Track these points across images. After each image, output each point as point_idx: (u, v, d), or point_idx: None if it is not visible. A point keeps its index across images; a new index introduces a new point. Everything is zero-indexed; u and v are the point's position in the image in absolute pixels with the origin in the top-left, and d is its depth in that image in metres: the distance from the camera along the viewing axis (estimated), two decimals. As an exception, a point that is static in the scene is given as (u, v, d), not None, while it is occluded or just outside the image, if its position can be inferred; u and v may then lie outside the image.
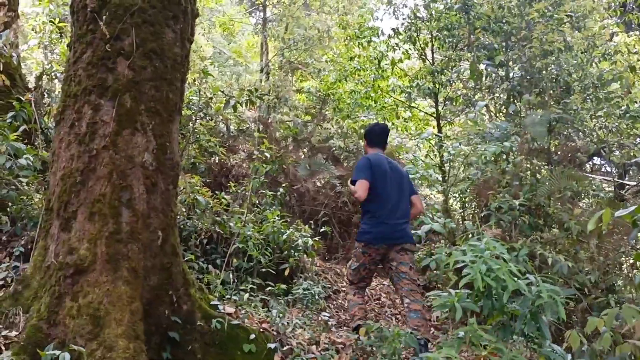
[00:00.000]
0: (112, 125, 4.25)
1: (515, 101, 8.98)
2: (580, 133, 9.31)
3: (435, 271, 7.20)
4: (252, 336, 4.68)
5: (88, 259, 4.00)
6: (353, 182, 5.99)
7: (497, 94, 10.16)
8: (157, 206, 4.39)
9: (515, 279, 3.43)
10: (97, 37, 4.38)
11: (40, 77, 9.28)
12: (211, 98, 9.63)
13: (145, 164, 4.32)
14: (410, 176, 7.16)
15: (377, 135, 6.41)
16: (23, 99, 6.18)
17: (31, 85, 9.04)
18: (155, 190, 4.39)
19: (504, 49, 9.70)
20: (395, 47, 12.19)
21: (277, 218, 7.44)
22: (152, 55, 4.45)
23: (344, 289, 8.27)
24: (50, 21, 10.48)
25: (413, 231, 6.71)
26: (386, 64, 12.55)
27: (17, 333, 3.87)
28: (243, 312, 5.19)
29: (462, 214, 8.66)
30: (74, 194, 4.18)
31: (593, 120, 9.28)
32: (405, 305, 5.80)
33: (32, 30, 15.74)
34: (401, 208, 6.04)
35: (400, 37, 11.90)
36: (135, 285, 4.09)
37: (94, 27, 4.40)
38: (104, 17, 4.37)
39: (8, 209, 5.45)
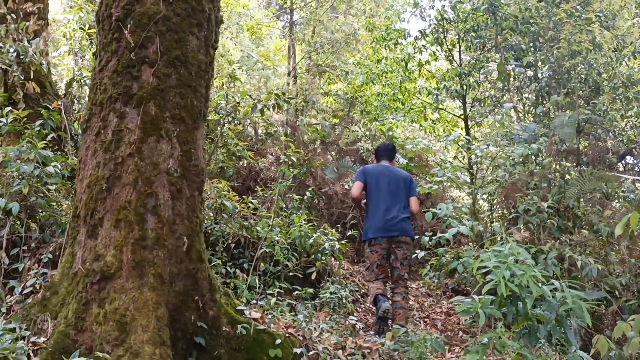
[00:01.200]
0: (137, 132, 4.28)
1: (544, 102, 8.88)
2: (610, 133, 9.18)
3: (463, 274, 7.14)
4: (278, 341, 4.67)
5: (114, 265, 4.04)
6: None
7: (525, 95, 10.06)
8: (183, 212, 4.42)
9: (540, 284, 3.39)
10: (122, 45, 4.42)
11: (70, 84, 9.39)
12: (238, 102, 9.65)
13: (170, 170, 4.35)
14: (438, 179, 7.19)
15: (381, 151, 7.68)
16: (51, 107, 6.25)
17: (61, 92, 9.16)
18: (181, 197, 4.42)
19: (532, 50, 9.60)
20: (422, 49, 12.14)
21: (303, 222, 7.43)
22: (177, 63, 4.48)
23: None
24: (81, 28, 10.60)
25: (440, 234, 6.72)
26: (413, 66, 12.50)
27: (45, 339, 3.91)
28: (269, 317, 5.19)
29: (490, 216, 8.59)
30: (100, 201, 4.23)
31: (623, 120, 9.15)
32: (390, 294, 6.87)
33: (63, 36, 15.95)
34: (397, 207, 6.95)
35: (427, 38, 11.85)
36: (161, 291, 4.11)
37: (119, 35, 4.45)
38: (129, 25, 4.42)
39: (37, 216, 5.53)
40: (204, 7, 4.70)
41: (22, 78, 7.26)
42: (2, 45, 7.08)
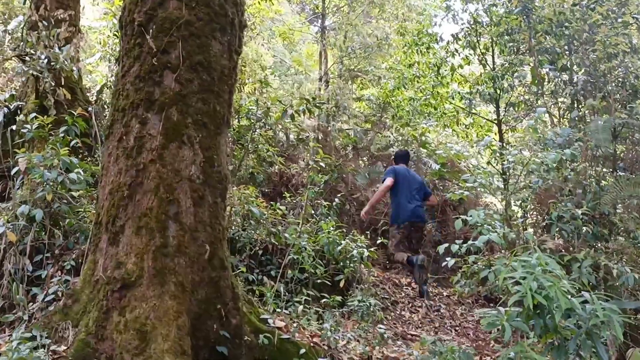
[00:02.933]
0: (159, 138, 4.25)
1: (579, 106, 8.68)
2: (647, 138, 8.92)
3: (495, 283, 6.97)
4: (302, 351, 4.59)
5: (135, 273, 4.01)
6: (383, 181, 9.18)
7: (560, 99, 9.85)
8: (205, 219, 4.37)
9: (569, 296, 3.24)
10: (144, 50, 4.40)
11: (101, 90, 9.46)
12: (269, 108, 9.61)
13: (192, 177, 4.31)
14: (468, 184, 7.07)
15: (400, 157, 9.81)
16: (75, 113, 6.26)
17: (93, 98, 9.22)
18: (203, 204, 4.37)
19: (566, 53, 9.39)
20: (455, 53, 11.98)
21: (332, 228, 7.34)
22: (199, 68, 4.44)
23: (402, 300, 8.12)
24: (114, 34, 10.68)
25: (471, 242, 6.58)
26: (445, 71, 12.35)
27: (65, 348, 3.89)
28: (295, 325, 5.11)
29: (523, 223, 8.39)
30: (121, 207, 4.20)
31: (663, 125, 8.88)
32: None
33: (98, 43, 16.14)
34: (417, 200, 9.09)
35: (460, 42, 11.69)
36: (182, 300, 4.07)
37: (142, 41, 4.42)
38: (151, 30, 4.39)
39: (61, 222, 5.52)
40: (227, 11, 4.65)
41: (53, 85, 7.30)
42: (34, 52, 7.12)
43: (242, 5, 4.93)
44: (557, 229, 6.72)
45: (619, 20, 8.36)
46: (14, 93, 8.36)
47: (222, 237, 4.55)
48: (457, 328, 7.55)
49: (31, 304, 4.77)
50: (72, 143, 6.03)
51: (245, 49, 15.23)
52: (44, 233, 5.35)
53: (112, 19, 10.99)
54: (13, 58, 7.57)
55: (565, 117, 9.72)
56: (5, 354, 3.59)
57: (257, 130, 10.17)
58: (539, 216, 8.11)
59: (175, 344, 3.85)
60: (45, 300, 4.72)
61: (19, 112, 7.51)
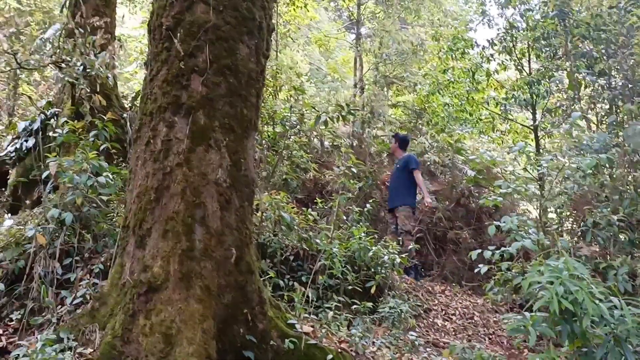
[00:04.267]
0: (185, 142, 4.25)
1: (617, 111, 8.50)
2: (687, 144, 8.68)
3: (529, 290, 6.83)
4: (330, 357, 4.55)
5: (161, 276, 4.01)
6: (414, 169, 9.88)
7: (598, 104, 9.66)
8: (232, 223, 4.35)
9: (597, 301, 3.14)
10: (172, 54, 4.41)
11: (136, 97, 9.53)
12: (302, 114, 9.60)
13: (219, 180, 4.29)
14: (502, 190, 6.96)
15: (407, 143, 10.62)
16: (106, 118, 6.31)
17: (129, 105, 9.30)
18: (230, 208, 4.35)
19: (604, 57, 9.21)
20: (491, 58, 11.86)
21: (363, 234, 7.28)
22: (226, 72, 4.44)
23: (435, 307, 8.02)
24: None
25: (503, 248, 6.47)
26: (481, 76, 12.21)
27: (92, 350, 3.90)
28: (322, 331, 5.06)
29: (558, 229, 8.23)
30: (148, 211, 4.21)
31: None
32: None
33: (136, 51, 16.34)
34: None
35: (496, 47, 11.57)
36: (208, 304, 4.05)
37: (169, 44, 4.43)
38: (179, 34, 4.40)
39: (90, 226, 5.56)
40: (255, 15, 4.64)
41: (89, 91, 7.37)
42: (70, 59, 7.19)
43: (270, 9, 4.92)
44: (592, 236, 6.59)
45: (658, 22, 8.19)
46: (51, 100, 8.47)
47: (249, 241, 4.53)
48: (490, 336, 7.43)
49: (60, 306, 4.81)
50: (103, 147, 6.08)
51: (280, 56, 15.31)
52: (73, 236, 5.39)
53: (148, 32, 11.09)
54: (50, 65, 7.65)
55: (603, 122, 9.53)
56: (30, 356, 3.61)
57: (292, 136, 10.17)
58: (574, 223, 7.95)
59: (201, 347, 3.83)
60: (74, 303, 4.75)
61: (55, 119, 7.60)
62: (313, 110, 8.32)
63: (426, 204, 10.00)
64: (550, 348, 3.34)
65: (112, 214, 5.83)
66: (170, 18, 4.47)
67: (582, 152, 7.27)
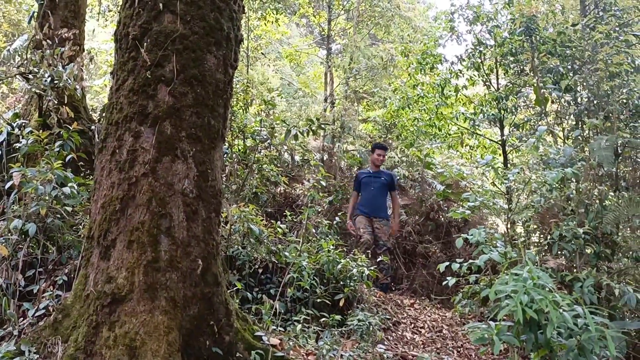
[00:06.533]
0: (152, 152, 4.22)
1: (583, 126, 8.61)
2: (650, 158, 8.82)
3: (496, 303, 6.87)
4: (297, 369, 4.52)
5: (125, 288, 3.96)
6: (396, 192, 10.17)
7: (565, 119, 9.79)
8: (198, 234, 4.32)
9: (561, 311, 3.16)
10: (138, 64, 4.39)
11: (104, 109, 9.46)
12: (273, 128, 9.60)
13: (185, 191, 4.27)
14: (470, 203, 7.01)
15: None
16: (71, 128, 6.25)
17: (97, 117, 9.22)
18: (196, 218, 4.32)
19: (570, 73, 9.35)
20: (459, 74, 11.97)
21: (332, 247, 7.28)
22: (193, 82, 4.42)
23: (404, 320, 8.02)
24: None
25: (472, 260, 6.51)
26: (450, 91, 12.32)
27: (54, 363, 3.83)
28: (291, 343, 5.03)
29: (525, 242, 8.29)
30: (113, 222, 4.16)
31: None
32: None
33: (105, 64, 16.23)
34: None
35: (464, 63, 11.69)
36: (174, 315, 4.01)
37: (136, 54, 4.41)
38: (145, 44, 4.38)
39: (55, 237, 5.48)
40: (223, 25, 4.64)
41: (56, 103, 7.31)
42: (38, 71, 7.13)
43: (239, 20, 4.92)
44: (559, 249, 6.64)
45: (621, 38, 8.33)
46: (17, 111, 8.38)
47: (216, 252, 4.50)
48: (459, 349, 7.44)
49: (22, 319, 4.73)
50: (69, 158, 6.02)
51: (251, 71, 15.31)
52: (37, 248, 5.32)
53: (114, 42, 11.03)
54: (17, 76, 7.57)
55: (569, 137, 9.66)
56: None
57: (262, 150, 10.16)
58: (541, 236, 8.01)
59: None
60: (36, 315, 4.68)
61: (21, 130, 7.52)
62: (284, 124, 8.32)
63: (394, 230, 10.07)
64: (514, 357, 3.35)
65: (77, 225, 5.76)
66: (137, 27, 4.45)
67: (548, 166, 7.35)
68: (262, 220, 7.51)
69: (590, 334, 3.07)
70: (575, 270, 6.40)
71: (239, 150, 10.55)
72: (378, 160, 10.12)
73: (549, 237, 6.83)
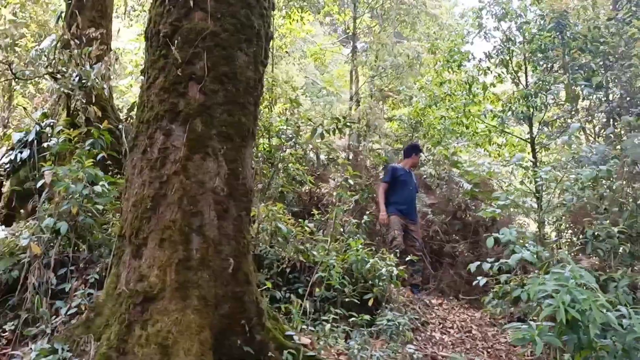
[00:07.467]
0: (183, 150, 4.20)
1: (615, 123, 8.48)
2: (687, 155, 8.65)
3: (528, 303, 6.77)
4: (328, 369, 4.48)
5: (157, 286, 3.94)
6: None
7: (596, 117, 9.65)
8: (229, 233, 4.29)
9: (605, 310, 3.08)
10: (169, 62, 4.37)
11: (131, 108, 9.49)
12: (299, 127, 9.57)
13: (216, 189, 4.24)
14: (500, 202, 6.91)
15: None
16: (102, 127, 6.26)
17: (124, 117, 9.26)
18: (227, 217, 4.29)
19: (602, 70, 9.21)
20: (487, 71, 11.85)
21: (360, 246, 7.23)
22: (224, 79, 4.39)
23: (432, 320, 7.95)
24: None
25: (504, 260, 6.43)
26: (477, 89, 12.20)
27: (86, 361, 3.82)
28: (320, 343, 4.99)
29: (557, 242, 8.18)
30: (145, 220, 4.15)
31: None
32: None
33: (130, 64, 16.32)
34: None
35: (492, 60, 11.57)
36: (205, 314, 3.99)
37: (167, 52, 4.39)
38: (176, 41, 4.36)
39: (86, 236, 5.49)
40: (254, 22, 4.60)
41: (84, 102, 7.31)
42: (66, 70, 7.14)
43: (269, 17, 4.89)
44: (592, 248, 6.54)
45: (657, 33, 8.19)
46: (46, 111, 8.42)
47: (247, 251, 4.47)
48: (489, 350, 7.36)
49: (54, 317, 4.74)
50: (99, 157, 6.03)
51: (276, 70, 15.31)
52: (68, 246, 5.33)
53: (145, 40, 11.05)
54: (45, 76, 7.61)
55: (600, 135, 9.52)
56: (24, 367, 3.55)
57: (287, 149, 10.12)
58: (573, 235, 7.90)
59: (197, 358, 3.77)
60: (68, 313, 4.68)
61: (50, 130, 7.56)
62: (309, 122, 8.28)
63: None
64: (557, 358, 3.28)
65: (107, 224, 5.77)
66: (167, 25, 4.43)
67: (580, 164, 7.25)
68: (289, 219, 7.47)
69: (635, 335, 3.00)
70: (609, 270, 6.29)
71: (264, 149, 10.53)
72: (418, 162, 10.41)
73: (581, 237, 6.72)
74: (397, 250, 8.91)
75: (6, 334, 4.75)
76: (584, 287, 3.17)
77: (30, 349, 4.06)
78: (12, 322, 4.82)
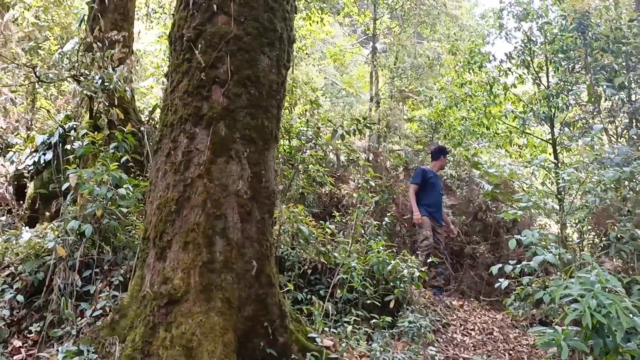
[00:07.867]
0: (206, 153, 4.22)
1: (638, 125, 8.41)
2: None
3: (550, 305, 6.73)
4: (351, 371, 4.49)
5: (181, 289, 3.98)
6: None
7: (618, 118, 9.57)
8: (252, 235, 4.31)
9: (631, 315, 3.06)
10: (193, 65, 4.40)
11: (153, 111, 9.55)
12: (319, 128, 9.57)
13: (239, 192, 4.26)
14: (522, 204, 6.87)
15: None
16: (126, 130, 6.31)
17: (145, 119, 9.31)
18: (250, 219, 4.32)
19: (624, 70, 9.13)
20: (508, 72, 11.79)
21: (382, 248, 7.22)
22: (247, 83, 4.41)
23: (453, 322, 7.93)
24: (168, 57, 10.79)
25: (525, 262, 6.39)
26: (498, 90, 12.14)
27: (111, 363, 3.86)
28: (343, 345, 5.00)
29: (579, 244, 8.12)
30: (169, 223, 4.18)
31: None
32: None
33: (152, 66, 16.42)
34: None
35: (513, 61, 11.51)
36: (229, 316, 4.01)
37: (190, 56, 4.42)
38: (200, 45, 4.39)
39: (110, 238, 5.54)
40: (276, 26, 4.62)
41: (107, 104, 7.37)
42: (88, 73, 7.20)
43: (291, 20, 4.91)
44: (615, 250, 6.49)
45: (679, 34, 8.12)
46: (69, 113, 8.50)
47: (270, 253, 4.49)
48: (510, 352, 7.32)
49: (79, 319, 4.79)
50: (123, 160, 6.08)
51: (296, 71, 15.33)
52: (93, 248, 5.38)
53: (166, 41, 11.12)
54: (68, 79, 7.67)
55: (623, 136, 9.44)
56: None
57: (308, 150, 10.14)
58: (596, 237, 7.84)
59: (222, 360, 3.79)
60: (93, 315, 4.73)
61: (74, 132, 7.62)
62: (329, 124, 8.28)
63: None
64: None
65: (131, 226, 5.82)
66: (191, 29, 4.46)
67: (603, 165, 7.18)
68: (311, 221, 7.49)
69: (662, 340, 2.98)
70: (632, 272, 6.24)
71: (285, 150, 10.55)
72: (445, 164, 10.38)
73: (604, 239, 6.67)
74: (429, 251, 8.94)
75: (32, 335, 4.80)
76: (609, 291, 3.16)
77: (57, 350, 4.10)
78: (38, 323, 4.87)
